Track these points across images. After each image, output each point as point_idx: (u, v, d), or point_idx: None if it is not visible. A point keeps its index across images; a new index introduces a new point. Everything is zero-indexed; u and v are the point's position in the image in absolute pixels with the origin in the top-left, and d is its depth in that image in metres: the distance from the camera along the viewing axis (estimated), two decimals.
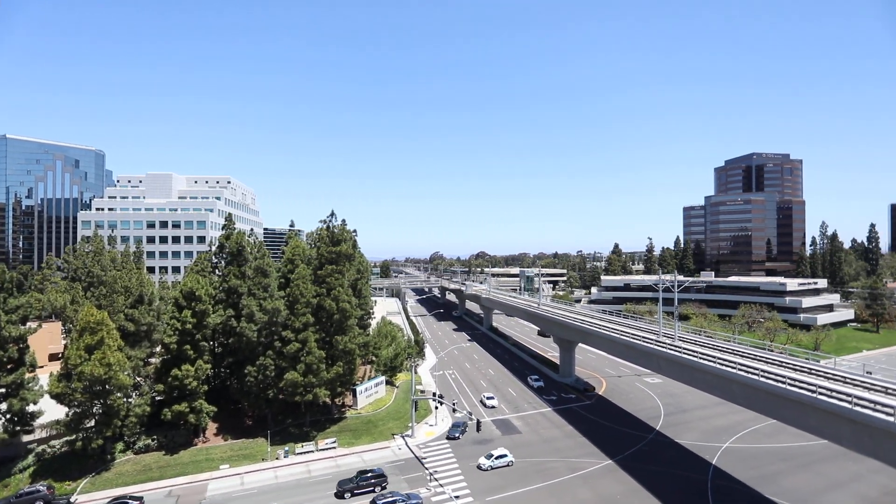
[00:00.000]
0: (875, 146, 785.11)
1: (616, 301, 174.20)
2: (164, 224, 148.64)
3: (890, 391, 38.31)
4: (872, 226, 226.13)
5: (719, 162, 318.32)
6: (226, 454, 59.28)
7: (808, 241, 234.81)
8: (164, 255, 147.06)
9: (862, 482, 50.71)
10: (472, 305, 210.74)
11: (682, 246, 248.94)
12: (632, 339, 65.71)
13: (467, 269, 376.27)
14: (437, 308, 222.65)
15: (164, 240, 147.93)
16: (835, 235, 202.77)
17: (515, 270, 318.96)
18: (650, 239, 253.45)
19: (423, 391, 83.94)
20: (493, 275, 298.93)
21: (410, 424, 66.73)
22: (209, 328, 63.75)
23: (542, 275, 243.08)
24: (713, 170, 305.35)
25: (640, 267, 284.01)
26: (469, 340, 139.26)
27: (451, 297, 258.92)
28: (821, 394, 37.39)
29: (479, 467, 54.77)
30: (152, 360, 66.24)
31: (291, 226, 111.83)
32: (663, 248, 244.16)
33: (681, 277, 68.08)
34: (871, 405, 34.08)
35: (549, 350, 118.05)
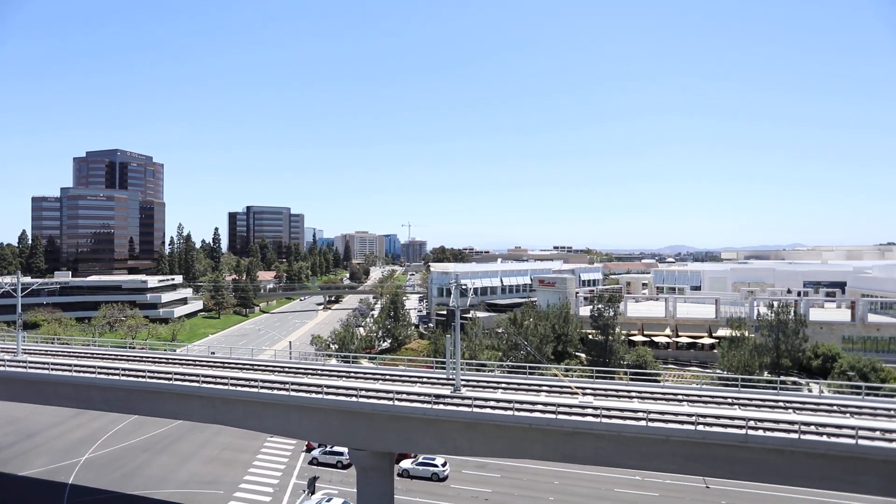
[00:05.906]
0: (224, 157, 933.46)
1: None
2: None
3: (192, 363, 47.43)
4: (216, 230, 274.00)
5: (80, 152, 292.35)
6: None
7: (167, 240, 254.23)
8: None
9: (208, 446, 60.08)
10: None
11: (30, 242, 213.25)
12: None
13: None
14: None
15: None
16: (189, 236, 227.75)
17: None
18: None
19: None
20: None
21: None
22: None
23: None
24: (73, 159, 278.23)
25: None
26: None
27: None
28: (176, 379, 41.68)
29: None
30: None
31: None
32: (4, 244, 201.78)
33: (28, 279, 58.95)
34: (200, 378, 41.11)
35: None
